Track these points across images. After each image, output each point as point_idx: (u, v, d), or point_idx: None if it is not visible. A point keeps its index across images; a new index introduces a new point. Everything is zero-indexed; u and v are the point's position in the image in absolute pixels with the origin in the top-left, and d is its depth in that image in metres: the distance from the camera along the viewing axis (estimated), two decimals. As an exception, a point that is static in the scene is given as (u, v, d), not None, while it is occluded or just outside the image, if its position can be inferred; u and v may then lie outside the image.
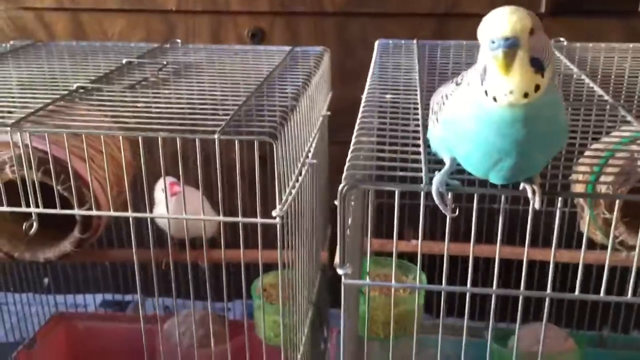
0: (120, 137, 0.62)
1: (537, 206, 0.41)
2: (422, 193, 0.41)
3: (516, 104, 0.37)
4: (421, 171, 0.43)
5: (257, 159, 0.53)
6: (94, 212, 0.69)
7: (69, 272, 1.14)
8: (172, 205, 0.75)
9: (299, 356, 0.67)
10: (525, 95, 0.37)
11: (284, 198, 0.55)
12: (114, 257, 0.86)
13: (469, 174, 0.41)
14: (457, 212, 0.41)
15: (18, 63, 0.79)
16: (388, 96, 0.59)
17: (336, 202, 0.45)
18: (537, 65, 0.37)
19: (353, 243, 0.45)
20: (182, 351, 0.91)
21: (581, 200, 0.78)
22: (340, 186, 0.41)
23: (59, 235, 0.80)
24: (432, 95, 0.45)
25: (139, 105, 0.60)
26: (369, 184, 0.41)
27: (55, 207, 0.65)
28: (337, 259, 0.43)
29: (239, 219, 0.55)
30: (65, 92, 0.64)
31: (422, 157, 0.44)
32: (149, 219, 0.68)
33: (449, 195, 0.41)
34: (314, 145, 0.69)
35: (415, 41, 0.87)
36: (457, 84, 0.40)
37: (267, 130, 0.53)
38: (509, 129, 0.37)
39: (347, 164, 0.43)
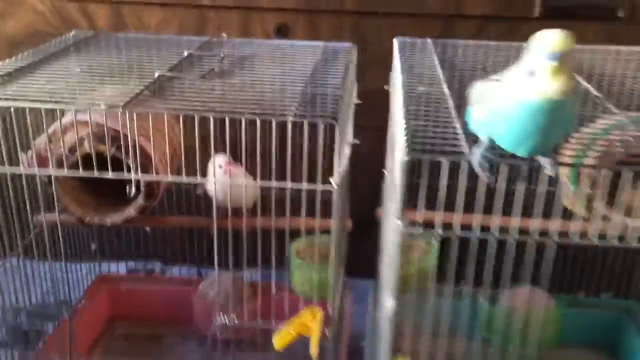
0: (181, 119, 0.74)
1: (552, 174, 0.55)
2: (463, 162, 0.55)
3: (554, 99, 0.51)
4: (461, 147, 0.56)
5: (322, 138, 0.66)
6: (161, 177, 0.82)
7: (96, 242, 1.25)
8: (224, 179, 0.88)
9: (336, 306, 0.80)
10: (562, 93, 0.51)
11: (340, 169, 0.68)
12: (170, 222, 0.99)
13: (500, 149, 0.56)
14: (495, 179, 0.55)
15: (86, 54, 0.91)
16: (421, 88, 0.73)
17: (385, 171, 0.58)
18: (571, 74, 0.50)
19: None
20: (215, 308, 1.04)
21: (565, 178, 0.93)
22: (403, 157, 0.55)
23: (122, 203, 0.92)
24: (469, 89, 0.59)
25: (215, 93, 0.73)
26: (427, 155, 0.54)
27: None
28: (398, 212, 0.57)
29: (304, 185, 0.68)
30: (152, 80, 0.76)
31: (461, 136, 0.58)
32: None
33: (487, 166, 0.55)
34: (351, 128, 0.83)
35: (429, 40, 1.00)
36: (498, 81, 0.54)
37: (329, 114, 0.66)
38: (541, 117, 0.51)
39: (405, 141, 0.57)
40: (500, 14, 1.16)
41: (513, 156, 0.55)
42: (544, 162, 0.56)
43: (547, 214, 0.77)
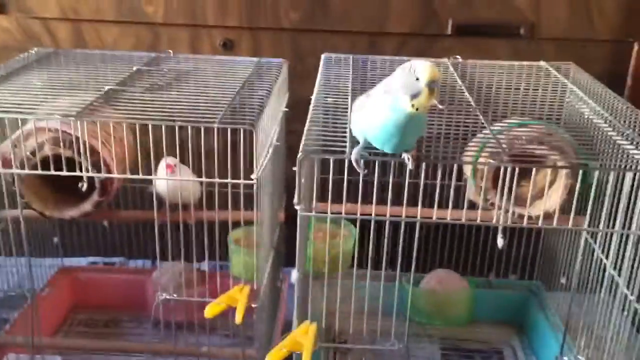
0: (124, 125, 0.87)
1: (411, 167, 0.71)
2: (346, 160, 0.70)
3: (418, 112, 0.66)
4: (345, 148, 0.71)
5: (242, 141, 0.80)
6: (110, 175, 0.94)
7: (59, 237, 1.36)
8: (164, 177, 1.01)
9: (263, 286, 0.94)
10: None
11: (258, 167, 0.82)
12: (123, 216, 1.11)
13: (374, 147, 0.71)
14: (367, 172, 0.70)
15: (47, 69, 1.03)
16: (329, 99, 0.88)
17: (294, 168, 0.73)
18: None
19: (305, 197, 0.73)
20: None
21: (467, 173, 1.09)
22: (298, 157, 0.69)
23: (79, 199, 1.05)
24: (355, 100, 0.74)
25: (156, 103, 0.86)
26: (316, 154, 0.69)
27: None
28: (296, 199, 0.71)
29: (229, 180, 0.82)
30: (101, 93, 0.89)
31: (347, 139, 0.73)
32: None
33: (362, 161, 0.70)
34: (277, 132, 0.97)
35: (351, 56, 1.15)
36: (368, 96, 0.70)
37: (248, 122, 0.81)
38: (404, 124, 0.67)
39: (302, 144, 0.71)
40: (418, 31, 1.31)
41: (385, 154, 0.71)
42: (406, 157, 0.72)
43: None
